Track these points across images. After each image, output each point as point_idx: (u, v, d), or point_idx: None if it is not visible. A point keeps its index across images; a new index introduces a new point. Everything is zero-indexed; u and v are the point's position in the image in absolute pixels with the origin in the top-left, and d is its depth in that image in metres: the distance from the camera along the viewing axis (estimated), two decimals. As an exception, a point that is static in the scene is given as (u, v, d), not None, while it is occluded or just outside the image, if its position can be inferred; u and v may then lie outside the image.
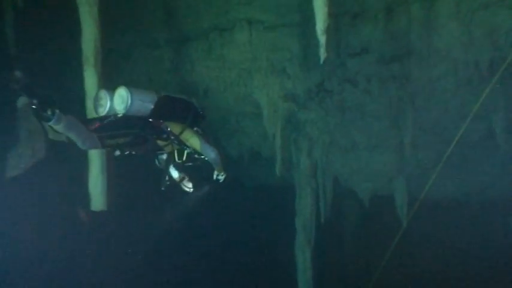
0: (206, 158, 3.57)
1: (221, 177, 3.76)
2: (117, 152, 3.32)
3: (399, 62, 6.27)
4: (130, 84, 3.36)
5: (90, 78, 4.93)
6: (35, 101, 2.50)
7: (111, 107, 3.23)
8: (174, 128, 3.48)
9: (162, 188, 3.56)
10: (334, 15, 6.11)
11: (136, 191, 8.44)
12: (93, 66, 4.87)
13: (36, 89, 2.53)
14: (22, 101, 2.63)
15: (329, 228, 8.42)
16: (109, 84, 5.03)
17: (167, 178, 3.60)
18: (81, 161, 5.22)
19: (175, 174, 3.67)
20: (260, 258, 10.11)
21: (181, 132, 3.48)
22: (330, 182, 8.01)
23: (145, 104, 3.26)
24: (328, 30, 4.18)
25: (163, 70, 8.30)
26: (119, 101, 3.19)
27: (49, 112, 2.57)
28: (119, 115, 3.22)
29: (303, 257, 8.02)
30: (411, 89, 6.25)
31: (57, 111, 2.62)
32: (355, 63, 6.60)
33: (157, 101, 3.34)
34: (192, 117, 3.54)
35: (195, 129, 3.62)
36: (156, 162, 3.74)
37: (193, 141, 3.50)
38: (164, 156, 3.64)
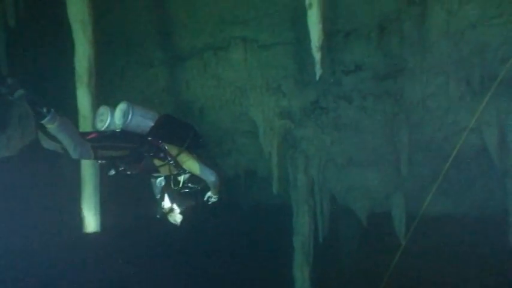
0: (206, 181, 3.44)
1: (212, 200, 3.55)
2: (112, 172, 3.20)
3: (393, 79, 6.33)
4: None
5: (83, 97, 4.88)
6: (30, 97, 2.53)
7: (112, 121, 3.15)
8: (171, 150, 3.38)
9: (157, 216, 3.46)
10: (327, 33, 6.19)
11: (130, 212, 8.31)
12: (87, 85, 4.83)
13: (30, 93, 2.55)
14: (18, 93, 2.56)
15: (327, 247, 8.29)
16: (103, 103, 5.02)
17: (163, 206, 3.49)
18: (74, 181, 5.12)
19: (166, 203, 3.51)
20: (258, 279, 9.90)
21: (178, 154, 3.36)
22: (327, 199, 7.94)
23: (146, 120, 3.21)
24: (322, 48, 4.19)
25: (158, 89, 8.30)
26: (120, 115, 3.12)
27: (44, 109, 2.54)
28: (118, 130, 3.15)
29: (302, 277, 7.86)
30: (406, 106, 6.26)
31: (52, 110, 2.59)
32: (349, 80, 6.65)
33: (158, 119, 3.29)
34: (191, 141, 3.42)
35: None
36: (153, 187, 3.63)
37: (191, 164, 3.36)
38: (162, 182, 3.55)
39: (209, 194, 3.52)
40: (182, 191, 3.48)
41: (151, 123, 3.24)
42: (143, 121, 3.19)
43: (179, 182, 3.45)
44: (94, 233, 5.24)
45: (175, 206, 3.45)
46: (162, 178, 3.55)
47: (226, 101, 7.62)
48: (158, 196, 3.56)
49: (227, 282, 10.00)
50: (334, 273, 9.86)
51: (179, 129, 3.42)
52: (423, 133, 6.69)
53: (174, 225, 3.50)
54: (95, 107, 5.05)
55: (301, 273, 7.91)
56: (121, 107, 3.16)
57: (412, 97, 6.05)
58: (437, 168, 7.47)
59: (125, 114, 3.09)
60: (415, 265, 8.19)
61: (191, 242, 10.45)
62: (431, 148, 6.97)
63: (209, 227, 10.94)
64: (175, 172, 3.41)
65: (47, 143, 2.83)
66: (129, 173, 3.27)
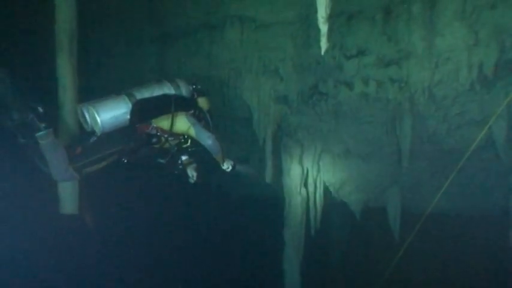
0: (205, 146, 3.13)
1: (227, 168, 3.31)
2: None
3: (398, 64, 5.97)
4: (108, 85, 3.13)
5: (63, 66, 4.40)
6: (40, 109, 2.61)
7: (92, 122, 3.01)
8: (162, 123, 3.10)
9: (176, 172, 3.39)
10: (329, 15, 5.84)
11: (111, 193, 7.86)
12: (68, 51, 4.34)
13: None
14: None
15: (319, 241, 7.97)
16: (85, 79, 4.57)
17: (180, 162, 3.40)
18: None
19: (184, 156, 3.43)
20: (246, 271, 9.58)
21: (171, 125, 3.08)
22: (320, 191, 7.60)
23: (118, 111, 2.96)
24: (330, 18, 3.80)
25: (147, 69, 7.83)
26: (93, 121, 2.95)
27: (43, 124, 2.63)
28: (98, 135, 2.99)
29: (291, 271, 7.55)
30: (410, 94, 5.92)
31: (51, 129, 2.69)
32: (351, 65, 6.27)
33: (132, 109, 3.00)
34: (177, 103, 3.10)
35: (190, 114, 3.20)
36: (159, 159, 3.34)
37: (184, 126, 3.10)
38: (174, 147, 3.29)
39: (223, 167, 3.30)
40: (191, 148, 3.29)
41: (127, 116, 2.99)
42: (117, 119, 2.96)
43: (187, 141, 3.24)
44: (71, 216, 4.84)
45: (193, 161, 3.41)
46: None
47: (219, 83, 7.19)
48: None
49: (215, 274, 9.65)
50: (325, 267, 9.58)
51: (158, 100, 3.11)
52: (425, 124, 6.38)
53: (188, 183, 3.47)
54: (77, 77, 4.65)
55: (290, 267, 7.60)
56: (90, 114, 2.95)
57: (417, 85, 5.70)
58: (438, 162, 7.23)
59: (96, 123, 2.90)
60: (410, 263, 7.93)
61: (178, 233, 10.08)
62: (432, 141, 6.67)
63: (197, 217, 10.59)
64: (176, 143, 3.21)
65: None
66: (131, 162, 3.11)
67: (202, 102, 3.37)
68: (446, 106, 6.00)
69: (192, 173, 3.44)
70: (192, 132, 3.11)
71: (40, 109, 2.64)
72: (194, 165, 3.47)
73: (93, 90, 4.37)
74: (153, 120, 3.09)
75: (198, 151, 3.30)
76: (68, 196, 4.76)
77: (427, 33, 5.36)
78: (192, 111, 3.25)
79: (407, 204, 8.01)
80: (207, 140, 3.07)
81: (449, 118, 6.20)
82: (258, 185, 9.45)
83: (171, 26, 7.40)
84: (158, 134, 3.09)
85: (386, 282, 7.52)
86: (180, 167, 3.41)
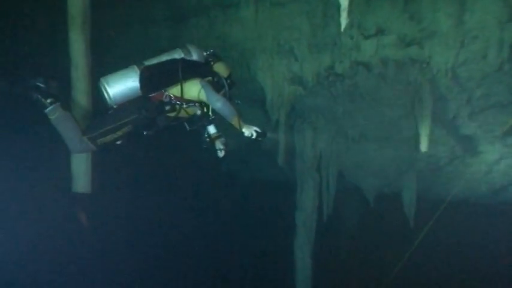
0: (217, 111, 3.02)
1: (250, 135, 2.93)
2: (118, 142, 3.08)
3: (419, 44, 5.71)
4: (120, 64, 3.13)
5: (75, 43, 4.28)
6: (41, 85, 2.78)
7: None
8: (175, 91, 3.05)
9: (204, 146, 3.37)
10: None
11: (125, 171, 7.84)
12: (80, 28, 4.22)
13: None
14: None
15: (331, 225, 7.86)
16: (99, 57, 4.46)
17: (206, 135, 3.37)
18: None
19: (212, 130, 3.39)
20: (258, 255, 9.56)
21: (182, 92, 3.01)
22: (333, 175, 7.46)
23: (129, 83, 2.97)
24: None
25: (157, 52, 7.67)
26: (106, 94, 3.00)
27: (49, 100, 2.79)
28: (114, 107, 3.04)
29: (302, 256, 7.47)
30: (432, 75, 5.68)
31: (58, 103, 2.83)
32: (369, 45, 6.03)
33: (140, 75, 2.98)
34: (184, 68, 3.00)
35: (206, 80, 3.08)
36: (186, 126, 3.33)
37: (197, 93, 2.98)
38: (199, 112, 3.21)
39: (245, 133, 2.99)
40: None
41: (135, 78, 2.98)
42: (127, 87, 2.96)
43: (209, 109, 3.16)
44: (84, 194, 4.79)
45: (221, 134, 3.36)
46: (198, 112, 3.23)
47: (232, 63, 7.00)
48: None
49: (225, 258, 9.65)
50: (337, 253, 9.49)
51: (166, 67, 3.03)
52: (447, 108, 6.14)
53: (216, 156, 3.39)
54: (89, 55, 4.54)
55: (302, 251, 7.53)
56: (101, 87, 3.00)
57: (440, 65, 5.44)
58: (457, 148, 7.00)
59: (107, 94, 2.94)
60: (425, 252, 7.77)
61: (188, 217, 10.08)
62: (453, 125, 6.44)
63: (207, 201, 10.57)
64: (192, 111, 3.15)
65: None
66: (150, 133, 3.13)
67: (219, 67, 3.24)
68: (470, 88, 5.75)
69: (220, 147, 3.35)
70: (203, 96, 2.98)
71: (41, 85, 2.77)
72: (223, 139, 3.39)
73: (105, 69, 4.29)
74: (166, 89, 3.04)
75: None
76: (82, 174, 4.72)
77: (454, 9, 5.06)
78: (209, 78, 3.12)
79: (424, 191, 7.83)
80: (216, 102, 2.92)
81: (472, 101, 5.95)
82: (269, 168, 9.35)
83: (184, 5, 7.21)
84: (172, 101, 3.02)
85: (399, 271, 7.40)
86: (207, 139, 3.33)
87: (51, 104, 2.81)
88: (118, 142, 3.06)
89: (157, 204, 9.73)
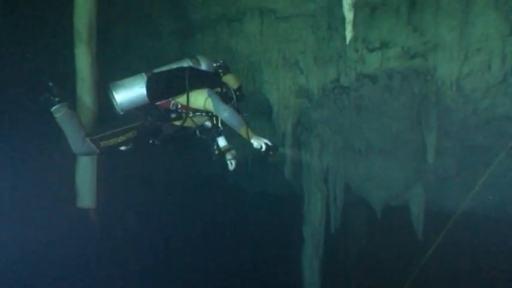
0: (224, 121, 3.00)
1: (259, 147, 2.84)
2: (122, 147, 3.08)
3: (423, 56, 5.73)
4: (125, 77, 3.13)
5: (82, 57, 4.35)
6: (51, 84, 2.85)
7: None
8: (181, 100, 3.05)
9: (214, 159, 3.32)
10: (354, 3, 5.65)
11: (130, 187, 7.85)
12: (86, 43, 4.29)
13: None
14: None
15: (339, 238, 7.78)
16: (104, 70, 4.52)
17: (215, 147, 3.33)
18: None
19: (222, 142, 3.36)
20: (265, 268, 9.46)
21: (188, 101, 2.99)
22: (341, 188, 7.40)
23: (136, 90, 2.97)
24: (356, 6, 3.63)
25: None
26: (113, 100, 3.02)
27: (56, 99, 2.82)
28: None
29: (311, 269, 7.38)
30: (437, 87, 5.67)
31: (65, 103, 2.87)
32: (374, 58, 6.06)
33: (147, 82, 2.98)
34: (191, 78, 3.00)
35: (214, 90, 3.08)
36: (197, 132, 3.30)
37: (203, 102, 2.97)
38: (209, 124, 3.23)
39: (253, 145, 2.92)
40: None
41: (143, 85, 2.98)
42: (134, 93, 2.96)
43: (217, 123, 3.16)
44: (89, 209, 4.79)
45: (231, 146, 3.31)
46: (207, 123, 3.25)
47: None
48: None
49: (233, 271, 9.56)
50: (344, 266, 9.36)
51: (172, 77, 3.03)
52: (452, 119, 6.11)
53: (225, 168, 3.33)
54: (95, 69, 4.59)
55: (310, 264, 7.44)
56: (108, 93, 3.02)
57: (445, 77, 5.45)
58: (464, 159, 6.94)
59: (113, 100, 2.96)
60: (434, 266, 7.63)
61: (195, 231, 10.05)
62: (459, 136, 6.40)
63: (214, 214, 10.53)
64: (199, 121, 3.14)
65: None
66: (157, 143, 3.12)
67: (229, 79, 3.22)
68: (475, 99, 5.74)
69: (230, 159, 3.29)
70: (210, 105, 2.95)
71: (50, 83, 2.82)
72: (233, 151, 3.32)
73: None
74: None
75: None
76: (87, 189, 4.74)
77: (457, 23, 5.10)
78: (218, 89, 3.11)
79: (432, 203, 7.73)
80: (223, 112, 2.88)
81: (478, 112, 5.93)
82: (276, 181, 9.32)
83: (190, 19, 7.31)
84: (178, 110, 3.02)
85: (408, 285, 7.27)
86: (216, 152, 3.28)
87: (58, 102, 2.84)
88: (122, 147, 3.05)
89: (163, 217, 9.72)
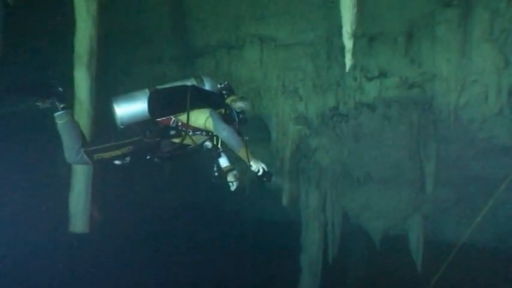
0: (224, 141, 2.91)
1: (257, 171, 2.76)
2: (117, 162, 3.01)
3: (421, 87, 5.79)
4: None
5: (81, 80, 4.37)
6: (60, 89, 2.81)
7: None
8: (182, 118, 2.99)
9: (213, 181, 3.20)
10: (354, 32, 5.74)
11: (125, 208, 7.72)
12: (86, 66, 4.33)
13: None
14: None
15: (336, 268, 7.60)
16: (103, 95, 4.52)
17: (215, 168, 3.20)
18: (65, 173, 4.58)
19: (224, 162, 3.24)
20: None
21: (188, 119, 2.93)
22: (339, 216, 7.31)
23: (138, 105, 2.92)
24: (355, 35, 3.67)
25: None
26: (114, 114, 2.97)
27: (62, 105, 2.80)
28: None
29: (307, 300, 7.20)
30: (434, 117, 5.70)
31: (70, 110, 2.87)
32: (373, 87, 6.11)
33: (148, 99, 2.93)
34: (193, 97, 2.95)
35: (216, 111, 3.00)
36: (203, 147, 3.21)
37: (204, 121, 2.91)
38: (208, 145, 3.15)
39: (252, 167, 2.81)
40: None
41: (145, 100, 2.93)
42: (135, 108, 2.93)
43: (218, 141, 3.09)
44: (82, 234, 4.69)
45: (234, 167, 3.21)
46: (207, 143, 3.17)
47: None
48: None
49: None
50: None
51: (175, 94, 2.99)
52: (450, 149, 6.11)
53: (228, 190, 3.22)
54: (94, 92, 4.59)
55: (307, 296, 7.26)
56: (110, 107, 2.99)
57: (442, 107, 5.49)
58: (463, 189, 6.90)
59: (114, 113, 2.93)
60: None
61: (190, 256, 9.83)
62: (457, 166, 6.38)
63: (210, 241, 10.34)
64: (199, 140, 3.07)
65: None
66: (155, 159, 3.09)
67: (233, 101, 3.16)
68: (472, 130, 5.75)
69: (232, 180, 3.16)
70: (210, 124, 2.89)
71: (60, 88, 2.81)
72: (235, 172, 3.20)
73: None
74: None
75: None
76: (79, 213, 4.67)
77: (453, 55, 5.17)
78: (221, 110, 3.05)
79: (431, 233, 7.64)
80: (223, 131, 2.81)
81: (475, 143, 5.93)
82: (274, 208, 9.20)
83: (190, 45, 7.40)
84: (178, 127, 2.97)
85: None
86: (216, 174, 3.18)
87: (63, 109, 2.82)
88: (117, 162, 2.99)
89: (160, 242, 9.52)
